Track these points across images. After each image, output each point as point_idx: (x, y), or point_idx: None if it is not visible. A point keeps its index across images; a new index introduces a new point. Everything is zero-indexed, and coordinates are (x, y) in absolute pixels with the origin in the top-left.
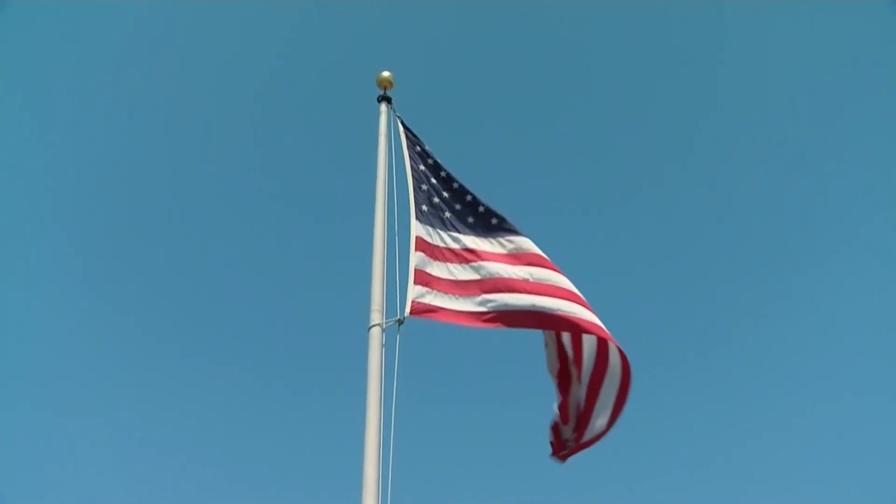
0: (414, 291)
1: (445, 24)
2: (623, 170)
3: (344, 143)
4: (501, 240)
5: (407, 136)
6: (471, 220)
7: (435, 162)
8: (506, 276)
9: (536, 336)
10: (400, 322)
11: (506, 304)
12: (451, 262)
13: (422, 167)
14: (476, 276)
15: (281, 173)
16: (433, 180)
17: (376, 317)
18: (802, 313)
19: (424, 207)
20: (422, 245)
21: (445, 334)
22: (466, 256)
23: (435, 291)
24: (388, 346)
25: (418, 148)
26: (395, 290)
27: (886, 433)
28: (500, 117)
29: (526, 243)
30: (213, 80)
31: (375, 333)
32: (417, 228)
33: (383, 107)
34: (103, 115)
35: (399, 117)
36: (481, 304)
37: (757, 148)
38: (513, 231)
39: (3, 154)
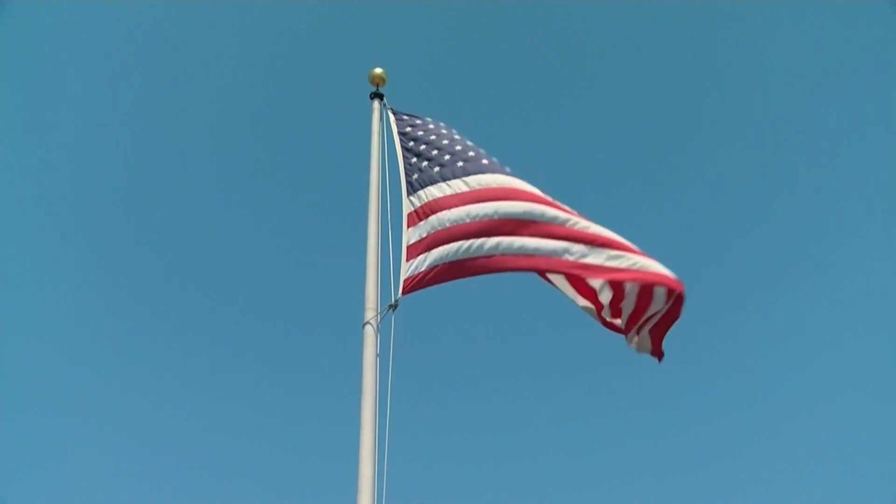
0: (407, 269)
1: (438, 21)
2: (621, 168)
3: (337, 140)
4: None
5: (398, 121)
6: (460, 163)
7: (429, 129)
8: (496, 216)
9: (535, 332)
10: (393, 307)
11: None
12: (447, 209)
13: (411, 143)
14: (466, 220)
15: (273, 171)
16: (422, 146)
17: (370, 313)
18: (803, 313)
19: (416, 176)
20: (413, 218)
21: (443, 331)
22: (460, 202)
23: (429, 252)
24: (382, 338)
25: (408, 129)
26: (389, 286)
27: (887, 433)
28: (495, 114)
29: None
30: (207, 79)
31: (369, 330)
32: (409, 205)
33: (376, 104)
34: (100, 115)
35: (391, 109)
36: (472, 250)
37: (757, 148)
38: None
39: (3, 154)
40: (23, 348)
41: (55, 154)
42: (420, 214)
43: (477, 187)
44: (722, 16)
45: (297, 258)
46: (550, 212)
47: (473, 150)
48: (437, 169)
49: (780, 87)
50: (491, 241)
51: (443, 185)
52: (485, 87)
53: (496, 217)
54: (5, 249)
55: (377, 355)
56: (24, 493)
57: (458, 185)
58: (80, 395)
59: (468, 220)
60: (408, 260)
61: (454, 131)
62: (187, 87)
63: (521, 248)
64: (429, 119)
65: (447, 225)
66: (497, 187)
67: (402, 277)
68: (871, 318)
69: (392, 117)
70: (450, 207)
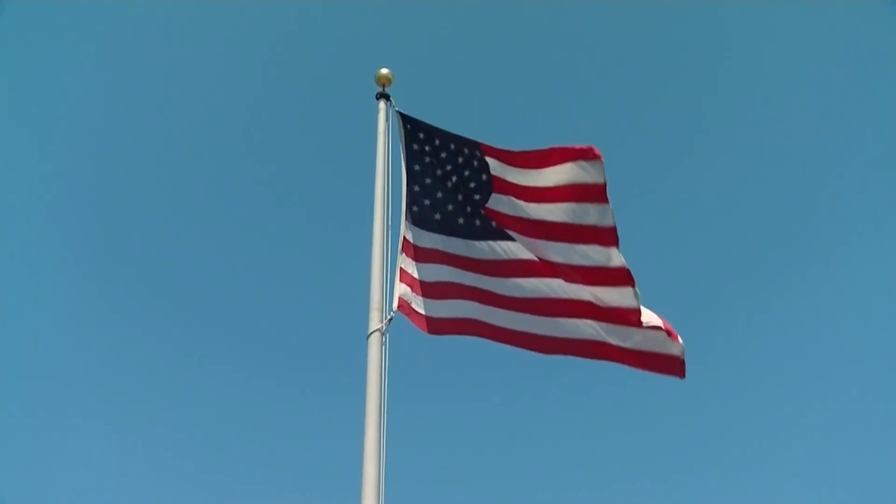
0: (401, 289)
1: (445, 21)
2: (623, 168)
3: (343, 141)
4: (494, 245)
5: (406, 132)
6: (461, 221)
7: (435, 155)
8: (490, 289)
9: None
10: (389, 319)
11: (482, 315)
12: (436, 263)
13: (416, 167)
14: (457, 280)
15: (278, 174)
16: (427, 180)
17: (376, 321)
18: (803, 312)
19: (415, 208)
20: (408, 247)
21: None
22: (451, 261)
23: (415, 294)
24: (385, 347)
25: (415, 146)
26: (394, 293)
27: (886, 433)
28: (501, 115)
29: (521, 251)
30: (209, 79)
31: (375, 338)
32: (406, 230)
33: (382, 104)
34: (101, 115)
35: (400, 112)
36: (455, 309)
37: (757, 147)
38: (508, 237)
39: (3, 154)
40: (23, 348)
41: (55, 154)
42: (418, 254)
43: (477, 256)
44: (721, 16)
45: (304, 261)
46: (555, 283)
47: (471, 195)
48: (437, 216)
49: (779, 87)
50: (504, 314)
51: (441, 238)
52: (491, 88)
53: (498, 292)
54: (5, 249)
55: (382, 362)
56: (24, 493)
57: (456, 246)
58: (83, 395)
59: (459, 282)
60: (401, 282)
61: (459, 156)
62: (190, 89)
63: (541, 326)
64: (437, 137)
65: (440, 280)
66: (494, 260)
67: (397, 294)
68: (876, 318)
69: (399, 121)
70: (449, 264)
